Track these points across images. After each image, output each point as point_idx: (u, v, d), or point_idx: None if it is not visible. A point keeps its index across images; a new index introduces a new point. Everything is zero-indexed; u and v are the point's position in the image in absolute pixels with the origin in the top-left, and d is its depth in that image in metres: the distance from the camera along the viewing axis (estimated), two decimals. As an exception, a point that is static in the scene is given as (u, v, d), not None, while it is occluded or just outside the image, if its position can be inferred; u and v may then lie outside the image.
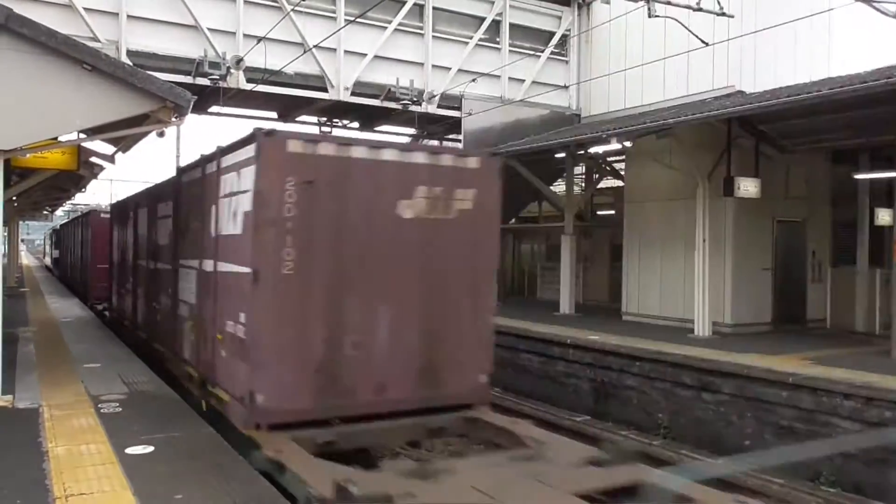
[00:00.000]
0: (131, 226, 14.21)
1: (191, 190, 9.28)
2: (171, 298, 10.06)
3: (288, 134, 6.95)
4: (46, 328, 14.72)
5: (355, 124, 20.49)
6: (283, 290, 6.50)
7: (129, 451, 6.38)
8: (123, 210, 15.81)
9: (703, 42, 13.36)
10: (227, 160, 7.51)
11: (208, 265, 8.09)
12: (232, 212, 7.24)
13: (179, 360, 9.45)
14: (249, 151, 6.75)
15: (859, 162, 14.57)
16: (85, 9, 13.37)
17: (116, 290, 16.38)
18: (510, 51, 18.07)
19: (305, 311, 6.64)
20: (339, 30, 14.97)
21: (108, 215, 19.18)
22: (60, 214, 50.97)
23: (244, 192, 6.88)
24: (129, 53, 13.69)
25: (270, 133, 6.68)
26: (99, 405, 8.06)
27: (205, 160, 8.55)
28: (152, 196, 12.30)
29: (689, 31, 13.48)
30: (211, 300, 7.91)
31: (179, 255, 9.68)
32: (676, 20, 13.44)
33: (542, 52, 18.69)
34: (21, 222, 40.98)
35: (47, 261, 50.80)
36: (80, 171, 13.53)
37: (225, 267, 7.46)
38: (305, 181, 6.54)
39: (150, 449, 6.44)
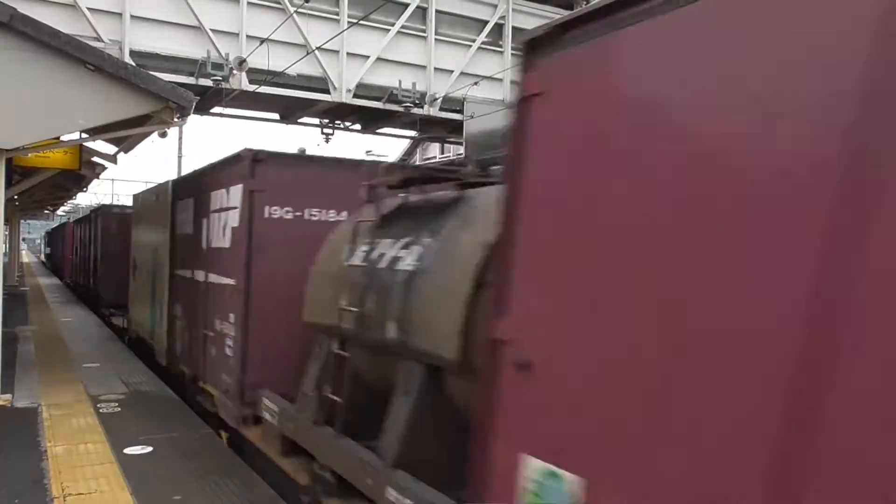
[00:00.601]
0: (79, 233, 26.91)
1: (92, 221, 22.14)
2: (84, 265, 23.86)
3: (112, 206, 23.43)
4: (46, 327, 14.74)
5: (357, 126, 20.50)
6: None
7: (128, 451, 6.39)
8: (77, 223, 29.74)
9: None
10: (100, 213, 20.90)
11: (92, 252, 21.62)
12: (97, 234, 19.93)
13: (83, 288, 23.75)
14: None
15: None
16: (88, 9, 13.38)
17: (72, 268, 29.79)
18: (513, 54, 18.08)
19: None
20: (342, 32, 14.99)
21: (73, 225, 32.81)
22: (62, 214, 51.23)
23: (101, 228, 19.60)
24: (133, 54, 13.71)
25: (107, 206, 23.25)
26: (98, 405, 8.07)
27: (94, 210, 24.61)
28: (83, 219, 27.12)
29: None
30: (93, 263, 21.25)
31: (90, 248, 22.35)
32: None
33: (545, 55, 18.66)
34: (22, 221, 41.03)
35: (42, 257, 66.65)
36: (82, 171, 13.56)
37: (92, 252, 21.42)
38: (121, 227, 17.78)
39: (149, 449, 6.45)
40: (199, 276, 8.40)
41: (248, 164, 6.67)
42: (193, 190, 8.99)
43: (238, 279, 6.82)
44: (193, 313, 8.65)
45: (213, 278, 7.84)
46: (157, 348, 10.69)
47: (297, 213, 6.77)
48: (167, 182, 10.98)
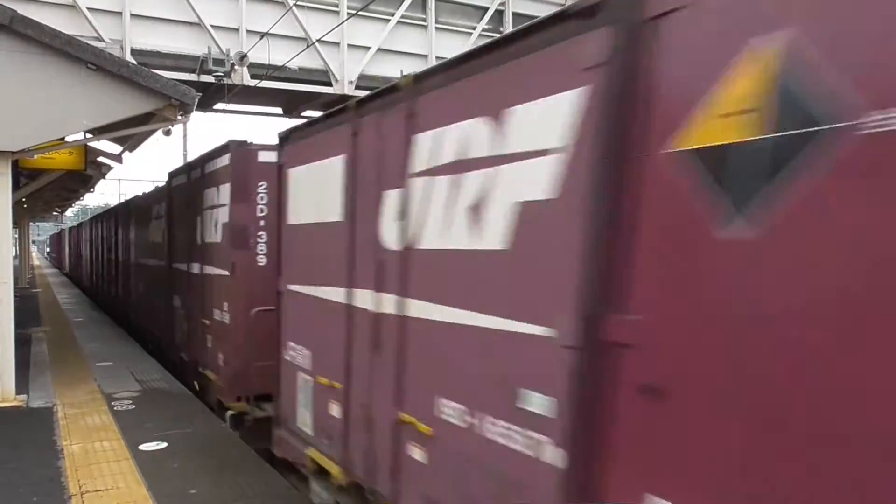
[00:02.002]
0: (66, 237, 43.32)
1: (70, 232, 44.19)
2: (66, 255, 46.12)
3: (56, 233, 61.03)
4: (58, 327, 14.84)
5: (360, 118, 20.47)
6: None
7: (143, 447, 6.44)
8: (60, 233, 54.25)
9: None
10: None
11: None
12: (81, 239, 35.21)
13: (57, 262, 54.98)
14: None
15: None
16: (89, 9, 13.38)
17: (59, 259, 51.84)
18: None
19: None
20: (342, 23, 14.94)
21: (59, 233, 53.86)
22: (70, 215, 51.86)
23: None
24: (134, 52, 13.72)
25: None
26: (112, 403, 8.13)
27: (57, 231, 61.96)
28: (56, 233, 64.62)
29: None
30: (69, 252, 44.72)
31: (70, 246, 40.90)
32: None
33: (546, 40, 18.54)
34: (31, 224, 41.33)
35: (45, 255, 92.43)
36: (88, 171, 13.59)
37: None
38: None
39: (164, 445, 6.50)
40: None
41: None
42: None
43: None
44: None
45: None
46: None
47: None
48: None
